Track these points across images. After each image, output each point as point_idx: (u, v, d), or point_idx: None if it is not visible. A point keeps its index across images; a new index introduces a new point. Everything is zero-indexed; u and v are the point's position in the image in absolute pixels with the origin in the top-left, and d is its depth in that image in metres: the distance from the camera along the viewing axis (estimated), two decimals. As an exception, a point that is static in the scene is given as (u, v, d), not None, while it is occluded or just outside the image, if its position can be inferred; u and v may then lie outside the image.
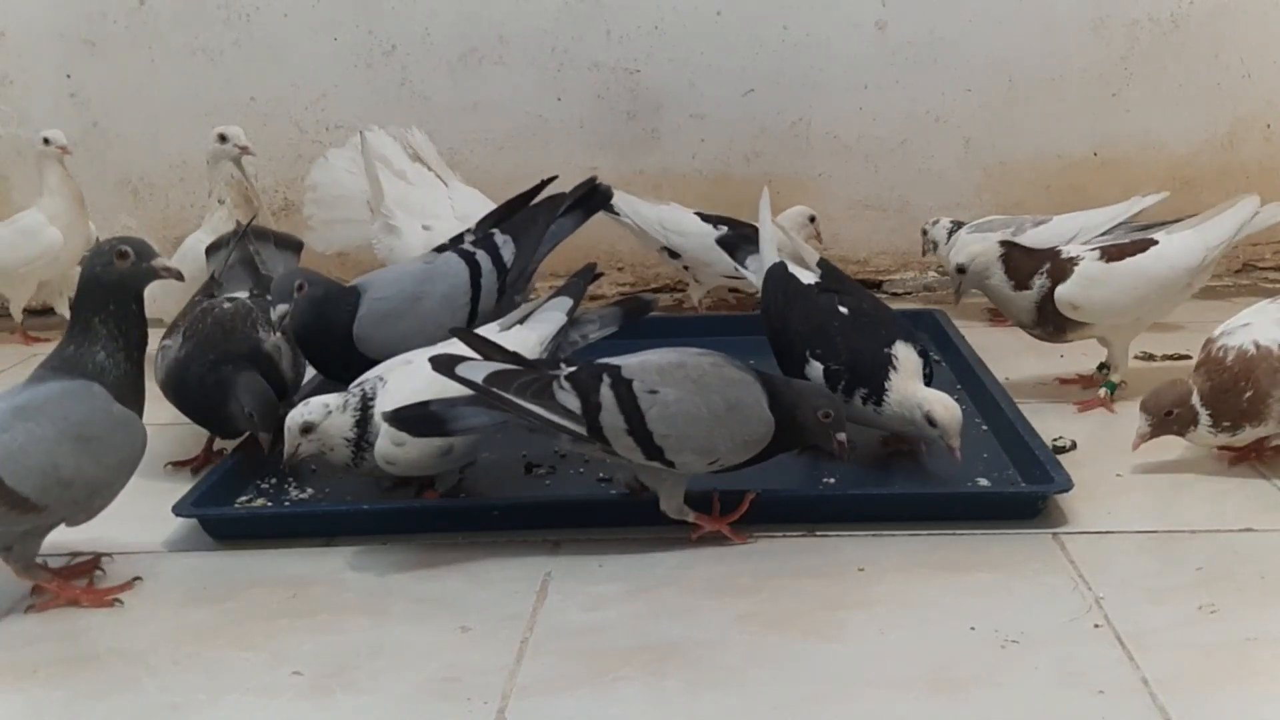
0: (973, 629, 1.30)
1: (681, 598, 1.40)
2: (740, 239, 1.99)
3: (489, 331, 1.72)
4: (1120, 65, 2.73)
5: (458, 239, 1.95)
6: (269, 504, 1.68)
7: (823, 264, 1.86)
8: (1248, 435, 1.64)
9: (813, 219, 2.59)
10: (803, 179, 2.77)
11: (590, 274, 1.83)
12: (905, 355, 1.64)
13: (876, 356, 1.64)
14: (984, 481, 1.67)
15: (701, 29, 2.72)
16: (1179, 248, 1.96)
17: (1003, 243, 1.98)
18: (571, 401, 1.44)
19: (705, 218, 2.56)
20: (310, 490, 1.72)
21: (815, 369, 1.67)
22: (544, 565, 1.48)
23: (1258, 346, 1.62)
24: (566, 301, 1.75)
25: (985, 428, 1.84)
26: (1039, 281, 1.92)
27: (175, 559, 1.54)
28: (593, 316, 1.77)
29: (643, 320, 1.82)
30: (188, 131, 2.78)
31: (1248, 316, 1.69)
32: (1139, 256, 1.94)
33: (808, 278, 1.81)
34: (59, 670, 1.31)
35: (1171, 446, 1.76)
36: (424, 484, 1.66)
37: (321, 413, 1.56)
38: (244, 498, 1.69)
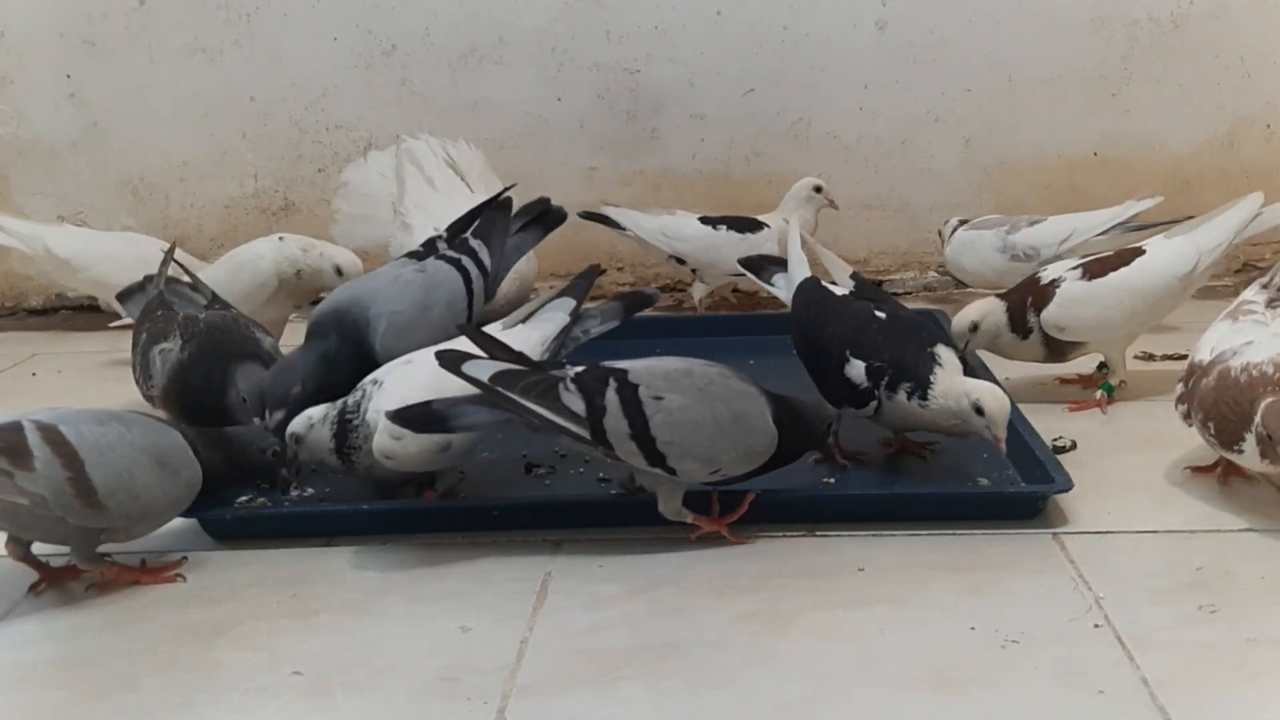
0: (973, 629, 1.30)
1: (681, 598, 1.40)
2: (763, 259, 2.00)
3: (493, 331, 1.73)
4: (1120, 65, 2.73)
5: (431, 245, 1.96)
6: (269, 504, 1.68)
7: (855, 276, 1.85)
8: None
9: (819, 189, 2.59)
10: (801, 177, 2.76)
11: (594, 275, 1.83)
12: (948, 356, 1.63)
13: (921, 354, 1.62)
14: (984, 481, 1.67)
15: (701, 29, 2.72)
16: (1168, 256, 1.94)
17: (1000, 296, 1.97)
18: (576, 404, 1.44)
19: (705, 220, 2.58)
20: (310, 490, 1.72)
21: (856, 367, 1.64)
22: (544, 565, 1.48)
23: None
24: (569, 302, 1.75)
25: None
26: (1033, 319, 1.91)
27: (174, 558, 1.53)
28: (594, 312, 1.77)
29: (643, 320, 1.82)
30: (188, 131, 2.79)
31: (1227, 339, 1.60)
32: (1123, 271, 1.92)
33: (840, 290, 1.80)
34: (59, 670, 1.31)
35: (1171, 446, 1.76)
36: (424, 484, 1.66)
37: (305, 426, 1.60)
38: (244, 498, 1.69)
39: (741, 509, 1.53)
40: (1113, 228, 2.36)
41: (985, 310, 1.94)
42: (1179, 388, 1.63)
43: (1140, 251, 1.95)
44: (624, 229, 2.61)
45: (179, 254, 2.09)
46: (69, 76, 2.78)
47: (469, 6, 2.73)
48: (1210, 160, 2.76)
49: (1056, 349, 1.95)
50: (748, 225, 2.56)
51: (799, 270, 1.85)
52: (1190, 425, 1.58)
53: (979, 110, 2.75)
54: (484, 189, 2.43)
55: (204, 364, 1.73)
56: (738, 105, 2.76)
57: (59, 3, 2.75)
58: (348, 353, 1.75)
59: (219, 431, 1.56)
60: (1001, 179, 2.77)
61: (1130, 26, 2.71)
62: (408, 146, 2.45)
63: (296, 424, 1.60)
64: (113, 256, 2.52)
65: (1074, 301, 1.90)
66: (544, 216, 2.04)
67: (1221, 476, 1.63)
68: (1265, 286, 1.68)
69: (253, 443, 1.55)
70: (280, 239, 2.23)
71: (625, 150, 2.78)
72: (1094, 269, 1.93)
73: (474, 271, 1.91)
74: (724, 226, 2.56)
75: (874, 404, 1.64)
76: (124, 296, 1.94)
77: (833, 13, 2.71)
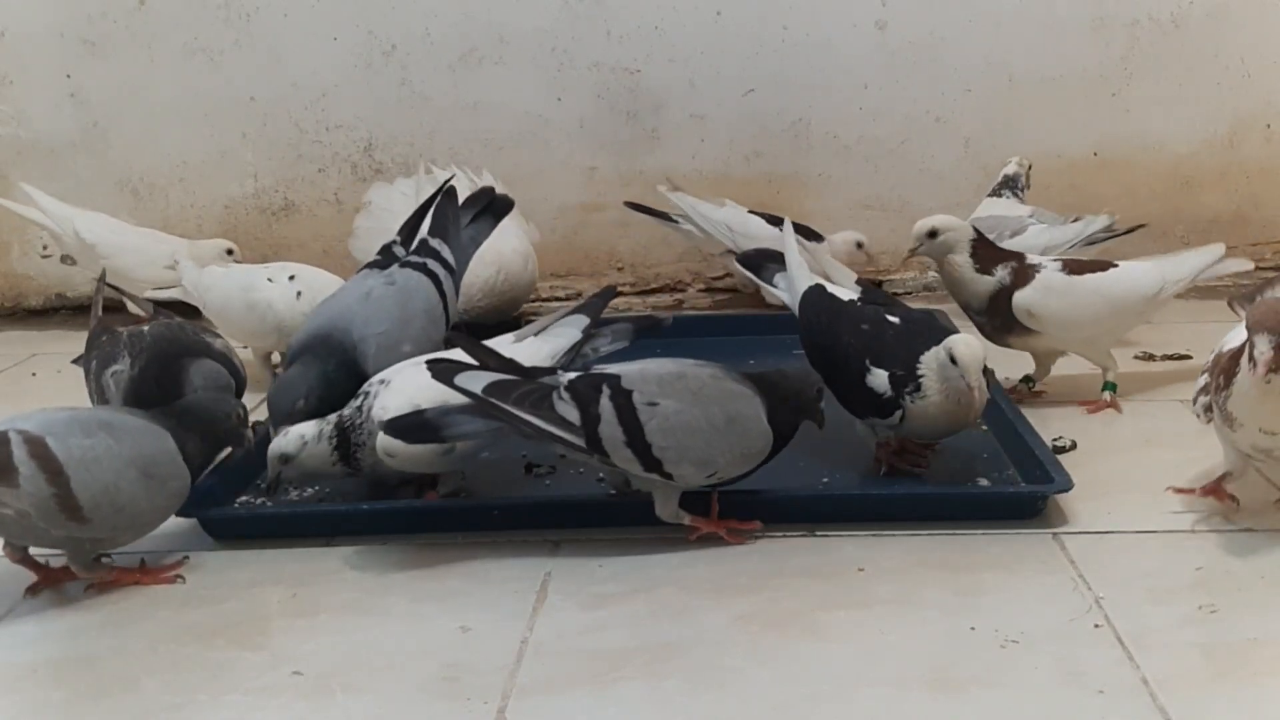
0: (973, 629, 1.30)
1: (681, 598, 1.40)
2: (763, 256, 1.95)
3: (503, 342, 1.73)
4: (1120, 65, 2.73)
5: (388, 252, 1.95)
6: (269, 504, 1.68)
7: (861, 282, 1.83)
8: None
9: (860, 245, 2.61)
10: (803, 179, 2.77)
11: (609, 295, 1.84)
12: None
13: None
14: (984, 481, 1.67)
15: (701, 29, 2.72)
16: (1139, 273, 1.97)
17: (974, 227, 1.98)
18: (570, 413, 1.44)
19: (769, 219, 2.56)
20: (310, 490, 1.72)
21: (879, 377, 1.62)
22: (544, 565, 1.48)
23: None
24: (583, 320, 1.75)
25: (985, 428, 1.84)
26: (1001, 273, 1.91)
27: (175, 559, 1.53)
28: (605, 331, 1.78)
29: (657, 331, 1.84)
30: (188, 131, 2.79)
31: None
32: (1099, 274, 1.94)
33: (847, 295, 1.77)
34: (59, 670, 1.31)
35: (1172, 446, 1.76)
36: (425, 484, 1.66)
37: (297, 445, 1.58)
38: (244, 498, 1.69)
39: (745, 525, 1.53)
40: (1078, 243, 2.35)
41: (950, 224, 1.94)
42: (1202, 379, 1.53)
43: (1114, 265, 1.98)
44: (674, 220, 2.62)
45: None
46: (69, 76, 2.78)
47: (469, 6, 2.73)
48: (1210, 160, 2.76)
49: (1006, 324, 1.93)
50: (812, 234, 2.54)
51: (801, 276, 1.81)
52: (1209, 421, 1.52)
53: (979, 110, 2.75)
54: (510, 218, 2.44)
55: (153, 371, 1.67)
56: (738, 105, 2.76)
57: (59, 3, 2.75)
58: (343, 374, 1.72)
59: (180, 405, 1.53)
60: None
61: (1130, 26, 2.71)
62: (434, 175, 2.48)
63: (286, 444, 1.58)
64: (138, 250, 2.53)
65: (1050, 290, 1.90)
66: (492, 205, 2.05)
67: (1204, 491, 1.56)
68: None
69: (215, 410, 1.53)
70: (299, 295, 2.12)
71: (625, 150, 2.78)
72: (1073, 267, 1.95)
73: (441, 273, 1.90)
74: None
75: (899, 413, 1.61)
76: (79, 361, 1.93)
77: (833, 13, 2.71)
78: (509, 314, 2.37)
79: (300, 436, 1.59)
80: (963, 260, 1.93)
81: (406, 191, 2.52)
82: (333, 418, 1.60)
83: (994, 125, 2.75)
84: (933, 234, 1.94)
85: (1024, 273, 1.92)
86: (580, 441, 1.45)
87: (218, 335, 1.79)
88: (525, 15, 2.72)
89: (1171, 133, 2.75)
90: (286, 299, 2.13)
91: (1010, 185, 2.51)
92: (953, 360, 1.56)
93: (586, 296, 1.84)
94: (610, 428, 1.44)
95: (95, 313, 1.88)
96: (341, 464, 1.59)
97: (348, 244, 2.52)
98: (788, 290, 1.85)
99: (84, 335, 2.50)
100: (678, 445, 1.45)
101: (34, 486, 1.36)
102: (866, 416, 1.67)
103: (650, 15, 2.72)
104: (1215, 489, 1.55)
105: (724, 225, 2.58)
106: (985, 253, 1.93)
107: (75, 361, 1.89)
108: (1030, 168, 2.55)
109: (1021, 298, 1.90)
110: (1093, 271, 1.95)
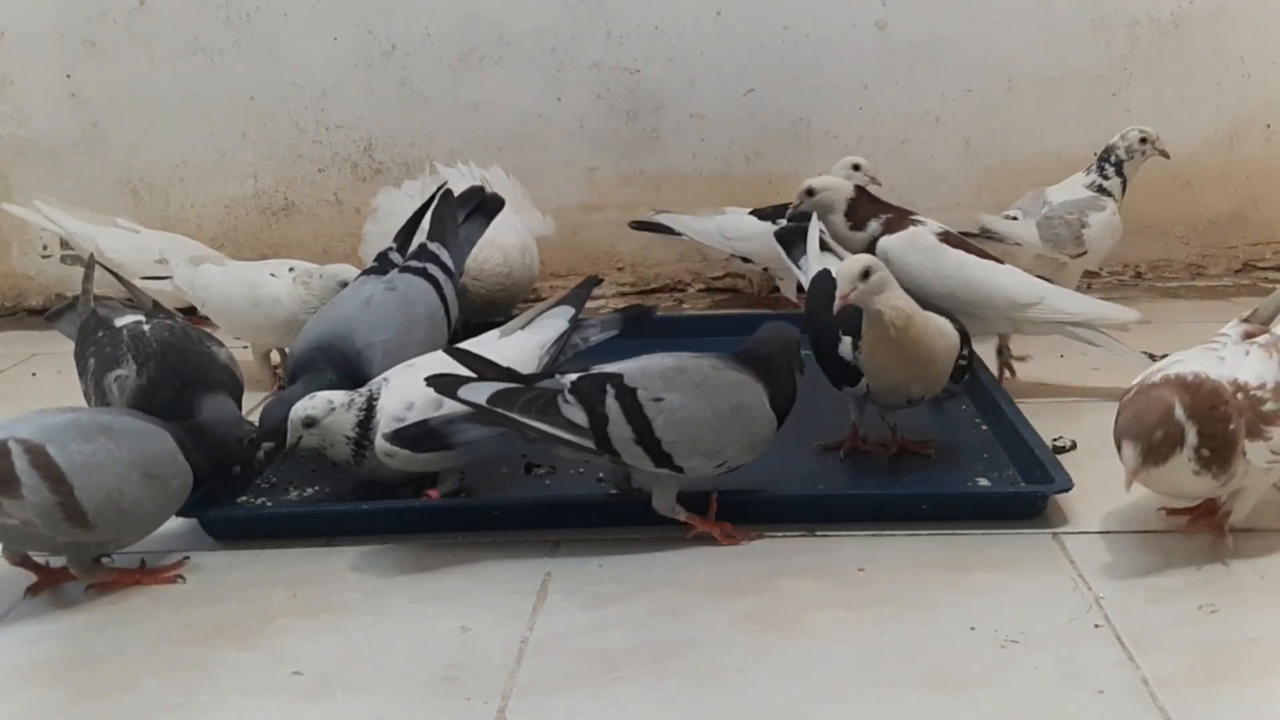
0: (973, 629, 1.30)
1: (681, 598, 1.40)
2: (798, 234, 1.99)
3: (491, 338, 1.73)
4: (1120, 65, 2.73)
5: (384, 258, 1.95)
6: (269, 503, 1.68)
7: None
8: (1208, 484, 1.40)
9: (857, 167, 2.55)
10: (803, 179, 2.75)
11: (592, 284, 1.86)
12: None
13: None
14: (984, 481, 1.67)
15: (701, 29, 2.72)
16: (1018, 279, 1.97)
17: (856, 186, 2.02)
18: (577, 415, 1.45)
19: (762, 215, 2.55)
20: (310, 490, 1.72)
21: (846, 344, 1.67)
22: (544, 565, 1.48)
23: (1206, 378, 1.40)
24: (568, 310, 1.77)
25: (985, 428, 1.84)
26: (873, 225, 1.97)
27: (175, 559, 1.53)
28: (594, 321, 1.79)
29: (646, 320, 1.85)
30: (188, 131, 2.79)
31: (1176, 356, 1.49)
32: (971, 257, 1.96)
33: None
34: (59, 670, 1.31)
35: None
36: (425, 484, 1.66)
37: (325, 409, 1.59)
38: (244, 497, 1.69)
39: (743, 533, 1.53)
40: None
41: (827, 184, 2.01)
42: None
43: (1000, 261, 1.99)
44: (678, 234, 2.62)
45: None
46: (69, 76, 2.78)
47: (469, 6, 2.73)
48: (1210, 160, 2.76)
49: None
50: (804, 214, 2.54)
51: (816, 262, 1.88)
52: None
53: (979, 110, 2.75)
54: (514, 211, 2.43)
55: (165, 391, 1.64)
56: (738, 105, 2.76)
57: (59, 3, 2.75)
58: (348, 385, 1.70)
59: (195, 424, 1.54)
60: (1001, 179, 2.77)
61: (1130, 26, 2.71)
62: (439, 173, 2.48)
63: (314, 407, 1.58)
64: (162, 255, 2.51)
65: (914, 245, 1.95)
66: (483, 205, 2.06)
67: (1191, 524, 1.53)
68: (1245, 320, 1.60)
69: (230, 433, 1.55)
70: (296, 280, 2.10)
71: (625, 150, 2.78)
72: (952, 240, 1.98)
73: (442, 276, 1.90)
74: (784, 219, 2.54)
75: (865, 380, 1.64)
76: (54, 317, 1.87)
77: (833, 13, 2.71)
78: (508, 310, 2.36)
79: (328, 401, 1.58)
80: (838, 219, 1.99)
81: (413, 194, 2.51)
82: (365, 390, 1.61)
83: (994, 125, 2.75)
84: (810, 192, 2.00)
85: (899, 224, 1.97)
86: (589, 444, 1.45)
87: (220, 344, 1.77)
88: (525, 15, 2.72)
89: (1171, 133, 2.73)
90: (290, 290, 2.10)
91: (1097, 166, 2.36)
92: None
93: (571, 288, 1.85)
94: (619, 427, 1.45)
95: (86, 300, 1.82)
96: (352, 445, 1.58)
97: (358, 251, 2.51)
98: (805, 275, 1.91)
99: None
100: (687, 438, 1.46)
101: (37, 496, 1.35)
102: (841, 388, 1.71)
103: (650, 15, 2.72)
104: (1206, 517, 1.51)
105: (717, 234, 2.58)
106: (860, 210, 1.99)
107: (49, 318, 1.86)
108: (1140, 141, 2.31)
109: (885, 243, 1.95)
110: (969, 251, 1.97)
